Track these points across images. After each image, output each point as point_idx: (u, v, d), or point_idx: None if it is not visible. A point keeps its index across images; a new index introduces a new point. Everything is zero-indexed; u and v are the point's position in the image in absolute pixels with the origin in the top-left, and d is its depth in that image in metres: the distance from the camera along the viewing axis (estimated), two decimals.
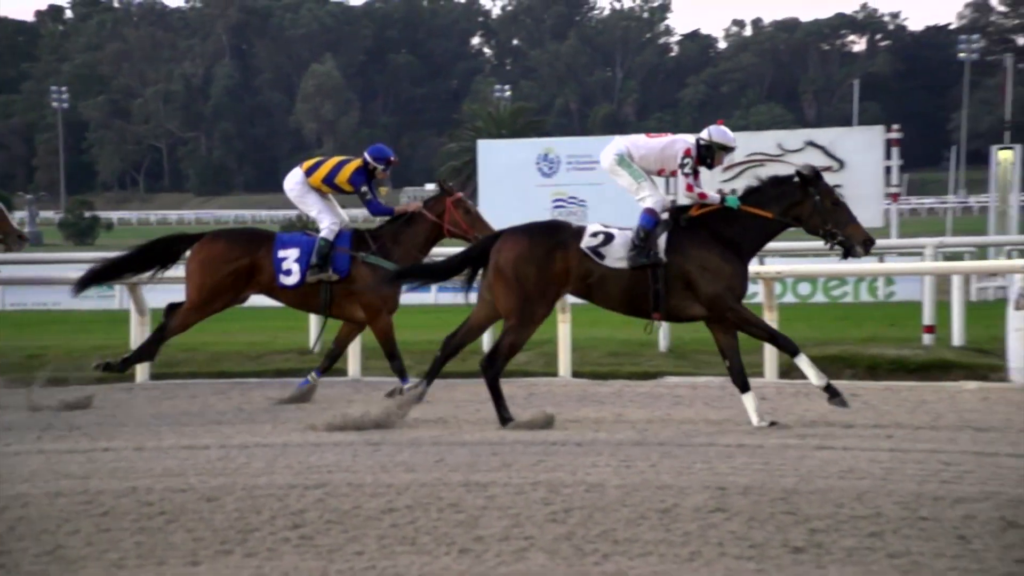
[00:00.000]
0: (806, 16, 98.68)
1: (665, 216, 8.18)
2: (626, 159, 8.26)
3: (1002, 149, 25.35)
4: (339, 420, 8.04)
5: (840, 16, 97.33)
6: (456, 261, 8.62)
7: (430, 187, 76.75)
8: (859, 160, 15.93)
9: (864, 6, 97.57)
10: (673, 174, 8.34)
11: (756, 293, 15.56)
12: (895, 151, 16.11)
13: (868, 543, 5.03)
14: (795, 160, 16.31)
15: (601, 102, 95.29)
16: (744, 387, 8.01)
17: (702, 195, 8.13)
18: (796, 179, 8.11)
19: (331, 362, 9.86)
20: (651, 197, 8.20)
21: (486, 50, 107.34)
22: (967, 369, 10.40)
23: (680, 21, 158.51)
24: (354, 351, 10.73)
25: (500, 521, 5.49)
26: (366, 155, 9.71)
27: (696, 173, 8.18)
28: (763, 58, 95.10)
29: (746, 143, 17.08)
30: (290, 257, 9.38)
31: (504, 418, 8.06)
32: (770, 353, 10.19)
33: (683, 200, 8.48)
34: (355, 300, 9.43)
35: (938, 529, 5.20)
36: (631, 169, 8.25)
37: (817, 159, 16.22)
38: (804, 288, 20.20)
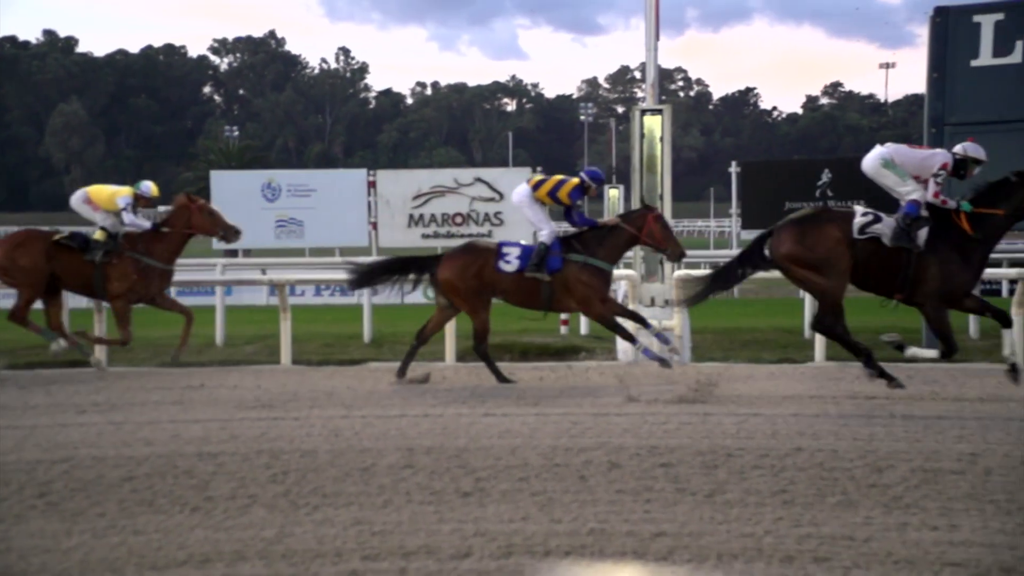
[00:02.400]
0: (472, 82, 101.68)
1: (925, 213, 7.70)
2: (890, 162, 7.79)
3: (611, 188, 27.10)
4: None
5: (497, 83, 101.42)
6: (739, 263, 8.15)
7: (163, 208, 73.03)
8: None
9: (513, 76, 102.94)
10: (925, 182, 7.78)
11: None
12: None
13: (518, 486, 5.19)
14: (467, 191, 16.78)
15: (314, 142, 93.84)
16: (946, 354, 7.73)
17: (944, 201, 7.72)
18: (1014, 179, 7.59)
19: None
20: (916, 191, 7.72)
21: (216, 97, 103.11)
22: (590, 352, 10.88)
23: (376, 80, 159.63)
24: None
25: (228, 484, 5.29)
26: (584, 176, 9.28)
27: (944, 183, 7.80)
28: (441, 112, 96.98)
29: (430, 178, 17.34)
30: (512, 254, 8.88)
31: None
32: (450, 339, 10.32)
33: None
34: (570, 295, 8.91)
35: (567, 472, 5.43)
36: (895, 170, 7.77)
37: (484, 191, 16.70)
38: None
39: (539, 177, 9.52)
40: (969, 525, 4.48)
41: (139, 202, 10.12)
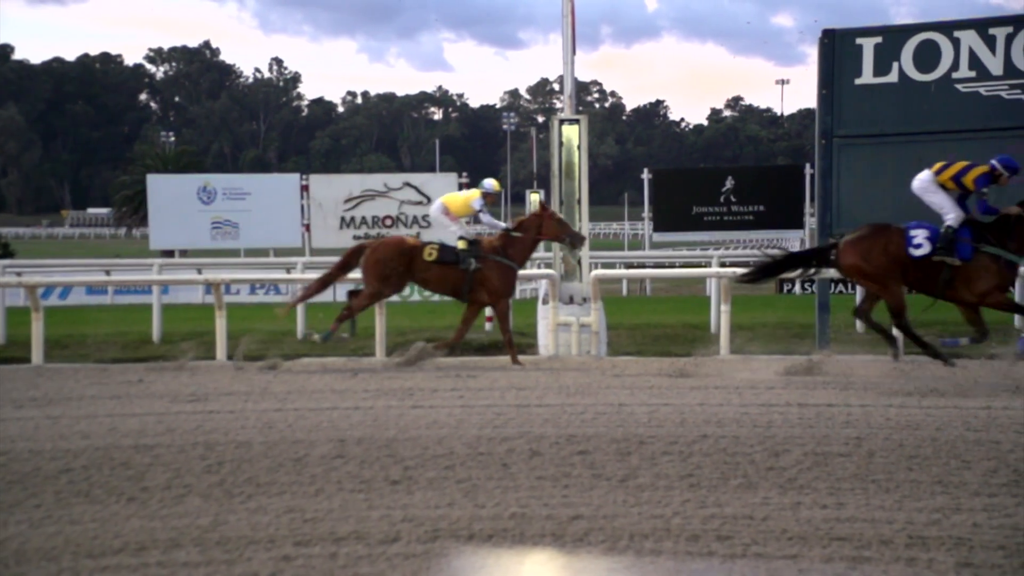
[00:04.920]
0: (400, 92, 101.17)
1: None
2: None
3: (533, 192, 27.31)
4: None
5: (424, 93, 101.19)
6: None
7: (93, 210, 70.79)
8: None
9: (440, 87, 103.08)
10: None
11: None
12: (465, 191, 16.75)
13: (444, 474, 5.16)
14: (396, 195, 16.70)
15: (249, 148, 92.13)
16: None
17: None
18: None
19: (983, 334, 8.49)
20: None
21: (152, 104, 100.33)
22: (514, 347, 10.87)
23: (308, 89, 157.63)
24: None
25: (164, 474, 5.15)
26: (995, 163, 8.48)
27: None
28: (371, 120, 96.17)
29: (362, 183, 17.27)
30: (920, 235, 8.34)
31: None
32: (380, 334, 10.23)
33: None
34: (969, 284, 8.33)
35: (490, 460, 5.41)
36: None
37: (413, 195, 16.65)
38: (405, 290, 20.49)
39: (941, 164, 8.71)
40: (854, 503, 4.62)
41: (487, 199, 9.99)
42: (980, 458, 5.34)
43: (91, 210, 70.59)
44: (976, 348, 8.75)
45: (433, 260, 9.65)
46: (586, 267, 11.14)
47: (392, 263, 9.64)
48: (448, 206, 10.04)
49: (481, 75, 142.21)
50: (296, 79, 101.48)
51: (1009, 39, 10.11)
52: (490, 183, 10.18)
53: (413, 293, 20.79)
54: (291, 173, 23.26)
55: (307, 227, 16.33)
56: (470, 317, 9.90)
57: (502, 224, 10.15)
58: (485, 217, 9.98)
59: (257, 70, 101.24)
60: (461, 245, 9.76)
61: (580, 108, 13.82)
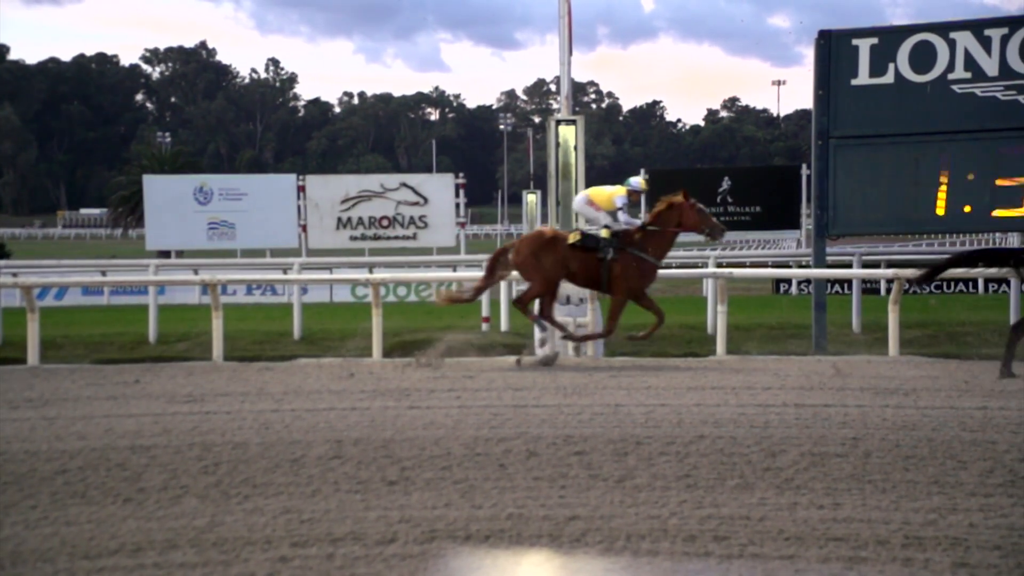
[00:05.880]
0: (397, 92, 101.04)
1: None
2: None
3: (529, 193, 27.31)
4: None
5: (420, 94, 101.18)
6: None
7: (86, 210, 70.91)
8: (438, 198, 16.54)
9: (436, 88, 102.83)
10: None
11: (366, 294, 15.48)
12: (462, 192, 16.77)
13: (441, 474, 5.16)
14: (393, 196, 16.70)
15: (245, 148, 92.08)
16: None
17: None
18: None
19: None
20: None
21: (148, 104, 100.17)
22: (510, 347, 10.89)
23: (305, 89, 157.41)
24: None
25: (160, 475, 5.15)
26: None
27: None
28: (368, 121, 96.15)
29: (358, 183, 17.21)
30: None
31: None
32: (376, 335, 10.22)
33: None
34: None
35: (487, 461, 5.42)
36: None
37: (409, 196, 16.64)
38: (402, 291, 20.48)
39: None
40: (851, 503, 4.63)
41: (631, 197, 9.92)
42: (976, 458, 5.35)
43: (84, 210, 70.58)
44: None
45: (576, 243, 9.62)
46: None
47: (542, 252, 9.64)
48: (593, 198, 10.00)
49: (478, 76, 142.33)
50: (292, 79, 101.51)
51: (1004, 40, 10.14)
52: (637, 181, 10.10)
53: (410, 293, 20.84)
54: (287, 174, 23.24)
55: (304, 228, 16.30)
56: (615, 309, 9.75)
57: (638, 222, 10.00)
58: (623, 216, 9.87)
59: (253, 70, 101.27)
60: (604, 234, 9.74)
61: (577, 109, 13.82)
